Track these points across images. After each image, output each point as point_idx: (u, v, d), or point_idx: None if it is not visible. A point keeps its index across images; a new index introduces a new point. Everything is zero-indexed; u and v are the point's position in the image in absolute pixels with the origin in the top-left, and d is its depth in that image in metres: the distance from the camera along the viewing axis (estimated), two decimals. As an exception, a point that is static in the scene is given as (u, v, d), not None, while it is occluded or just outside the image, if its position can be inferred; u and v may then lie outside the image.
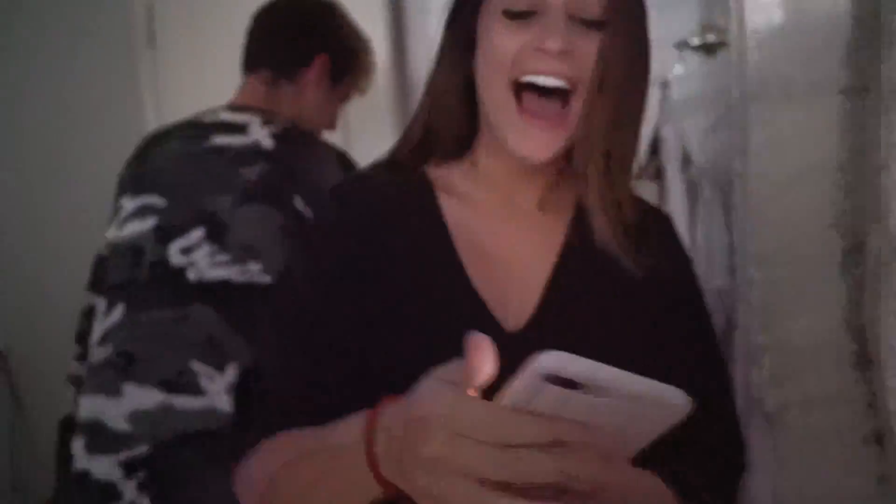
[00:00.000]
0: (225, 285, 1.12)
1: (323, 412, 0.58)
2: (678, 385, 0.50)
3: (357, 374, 0.65)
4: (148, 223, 1.17)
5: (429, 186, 0.76)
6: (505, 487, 0.41)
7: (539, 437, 0.40)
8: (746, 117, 0.94)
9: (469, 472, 0.41)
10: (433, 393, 0.44)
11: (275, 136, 1.21)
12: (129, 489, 1.04)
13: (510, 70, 0.69)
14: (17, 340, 1.83)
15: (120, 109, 1.99)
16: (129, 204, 1.22)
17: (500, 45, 0.69)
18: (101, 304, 1.18)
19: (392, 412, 0.49)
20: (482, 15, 0.72)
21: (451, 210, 0.75)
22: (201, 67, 2.01)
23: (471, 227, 0.74)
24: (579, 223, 0.76)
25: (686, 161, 1.22)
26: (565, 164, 0.76)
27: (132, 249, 1.17)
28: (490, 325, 0.68)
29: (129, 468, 1.05)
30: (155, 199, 1.19)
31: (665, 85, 1.28)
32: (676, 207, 1.23)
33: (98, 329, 1.16)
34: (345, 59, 1.37)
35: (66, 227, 1.85)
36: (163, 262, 1.14)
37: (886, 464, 0.92)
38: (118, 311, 1.15)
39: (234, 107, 1.30)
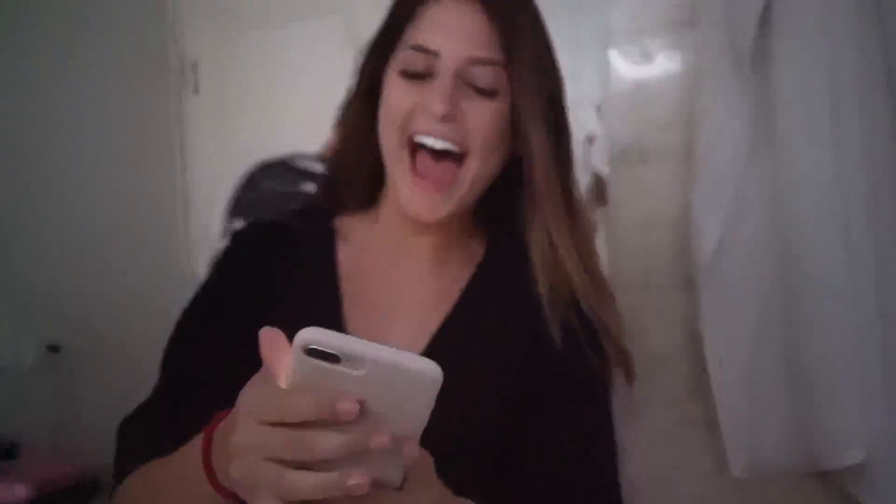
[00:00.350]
0: None
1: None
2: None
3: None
4: None
5: (330, 235, 0.78)
6: (307, 466, 0.42)
7: (314, 410, 0.41)
8: (615, 175, 1.22)
9: (268, 454, 0.42)
10: (248, 389, 0.46)
11: None
12: None
13: (404, 128, 0.70)
14: (72, 337, 2.00)
15: (168, 145, 2.37)
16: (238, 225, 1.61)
17: (396, 102, 0.70)
18: None
19: (224, 421, 0.50)
20: (387, 70, 0.73)
21: (347, 258, 0.76)
22: (238, 113, 2.38)
23: (363, 275, 0.75)
24: (480, 279, 0.76)
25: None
26: (469, 220, 0.77)
27: None
28: None
29: None
30: None
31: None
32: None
33: None
34: None
35: (116, 236, 2.17)
36: None
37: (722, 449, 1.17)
38: None
39: (322, 157, 1.69)
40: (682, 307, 1.20)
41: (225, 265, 0.77)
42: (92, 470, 1.56)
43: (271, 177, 1.70)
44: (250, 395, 0.45)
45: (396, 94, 0.70)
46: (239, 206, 1.70)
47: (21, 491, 1.34)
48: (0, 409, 1.75)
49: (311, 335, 0.41)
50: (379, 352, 0.41)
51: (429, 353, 0.66)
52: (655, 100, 1.20)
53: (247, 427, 0.43)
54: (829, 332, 1.01)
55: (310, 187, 1.62)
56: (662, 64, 1.19)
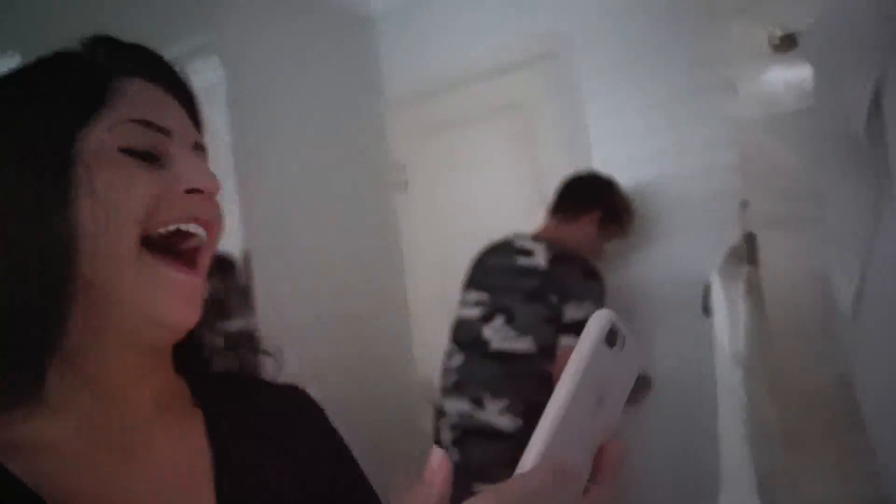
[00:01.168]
0: (510, 352, 1.95)
1: None
2: None
3: None
4: (478, 311, 2.05)
5: None
6: None
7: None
8: (761, 238, 1.43)
9: None
10: None
11: (549, 260, 2.00)
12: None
13: (145, 222, 0.53)
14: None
15: (385, 235, 2.86)
16: (470, 296, 2.11)
17: (129, 191, 0.52)
18: (450, 350, 2.11)
19: None
20: (81, 155, 0.52)
21: (35, 475, 0.49)
22: (439, 207, 2.82)
23: (76, 481, 0.51)
24: (217, 410, 0.62)
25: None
26: None
27: (468, 324, 2.06)
28: None
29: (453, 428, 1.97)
30: (483, 296, 2.05)
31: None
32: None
33: (446, 364, 2.10)
34: (610, 216, 2.16)
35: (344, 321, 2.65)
36: (480, 336, 2.00)
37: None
38: (458, 357, 2.05)
39: (533, 236, 2.12)
40: (832, 351, 1.36)
41: None
42: None
43: (495, 255, 2.11)
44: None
45: (127, 180, 0.52)
46: (472, 280, 2.15)
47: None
48: None
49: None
50: None
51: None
52: (790, 171, 1.40)
53: None
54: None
55: (520, 260, 2.04)
56: (790, 139, 1.40)
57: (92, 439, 0.54)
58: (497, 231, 2.26)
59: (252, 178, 2.35)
